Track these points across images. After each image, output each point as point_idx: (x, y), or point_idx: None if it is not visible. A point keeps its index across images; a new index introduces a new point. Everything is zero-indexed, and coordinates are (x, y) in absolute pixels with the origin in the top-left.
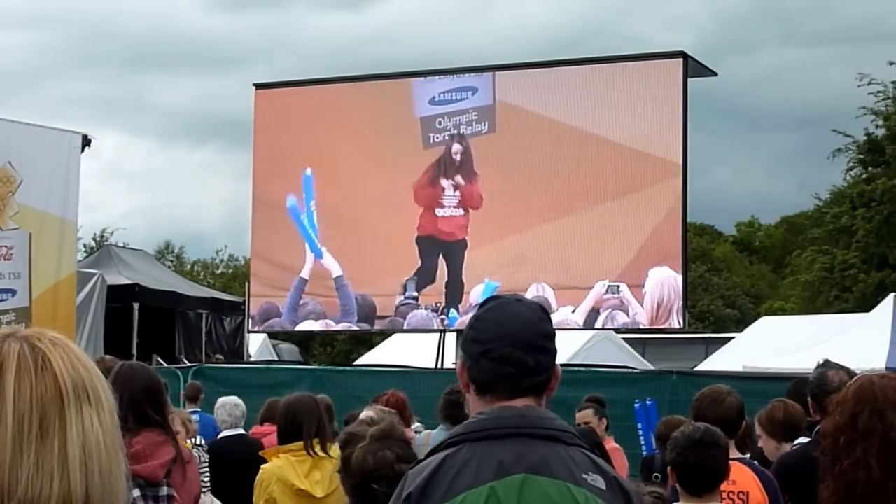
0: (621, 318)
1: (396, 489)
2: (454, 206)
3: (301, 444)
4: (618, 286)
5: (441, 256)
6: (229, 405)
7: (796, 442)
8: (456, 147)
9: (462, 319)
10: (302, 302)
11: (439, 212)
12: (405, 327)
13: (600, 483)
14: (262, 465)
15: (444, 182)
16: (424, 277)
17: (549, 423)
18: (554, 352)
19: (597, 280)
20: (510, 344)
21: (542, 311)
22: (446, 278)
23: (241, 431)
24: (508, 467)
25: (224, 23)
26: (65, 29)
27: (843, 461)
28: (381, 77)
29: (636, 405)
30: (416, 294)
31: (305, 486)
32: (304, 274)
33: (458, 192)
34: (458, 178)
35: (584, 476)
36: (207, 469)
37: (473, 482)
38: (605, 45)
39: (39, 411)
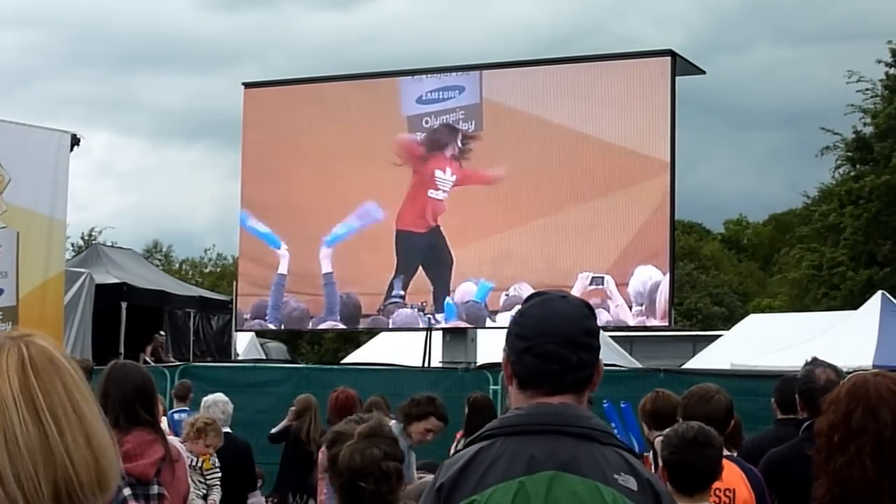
0: (605, 316)
1: (431, 478)
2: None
3: None
4: (602, 278)
5: (424, 251)
6: (221, 402)
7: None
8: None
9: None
10: (284, 300)
11: (432, 193)
12: (390, 326)
13: (632, 483)
14: None
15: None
16: (408, 274)
17: (584, 422)
18: (597, 348)
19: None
20: (553, 340)
21: (586, 308)
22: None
23: (228, 430)
24: (539, 463)
25: (215, 22)
26: (56, 28)
27: (837, 459)
28: (369, 76)
29: (605, 405)
30: (402, 293)
31: None
32: (283, 269)
33: (454, 175)
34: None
35: (616, 476)
36: (217, 479)
37: (504, 476)
38: (596, 43)
39: (69, 399)
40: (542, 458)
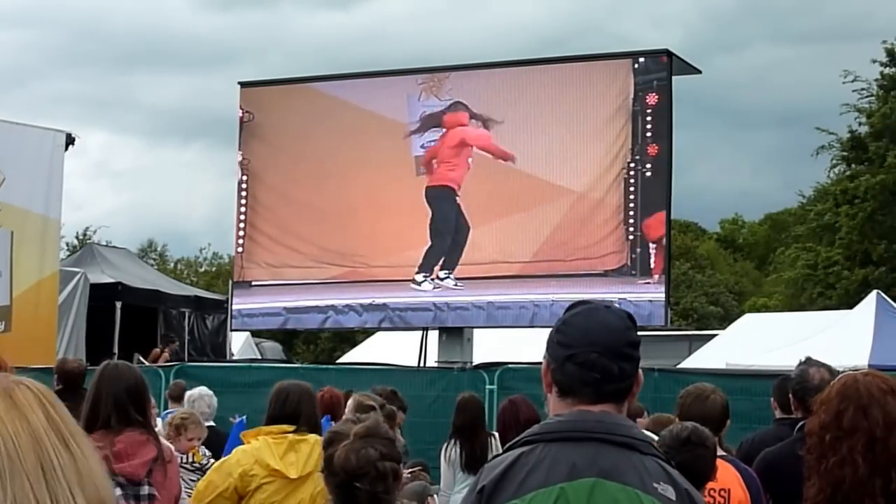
0: None
1: (472, 480)
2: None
3: (281, 426)
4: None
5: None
6: (207, 396)
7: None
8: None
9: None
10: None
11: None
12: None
13: (670, 493)
14: (238, 447)
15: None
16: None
17: (624, 431)
18: (638, 359)
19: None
20: (596, 350)
21: (628, 319)
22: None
23: (212, 423)
24: (580, 470)
25: (212, 22)
26: (52, 27)
27: (828, 459)
28: (366, 75)
29: None
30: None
31: (279, 466)
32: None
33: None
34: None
35: (655, 485)
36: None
37: (545, 482)
38: (594, 43)
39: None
40: (582, 465)
